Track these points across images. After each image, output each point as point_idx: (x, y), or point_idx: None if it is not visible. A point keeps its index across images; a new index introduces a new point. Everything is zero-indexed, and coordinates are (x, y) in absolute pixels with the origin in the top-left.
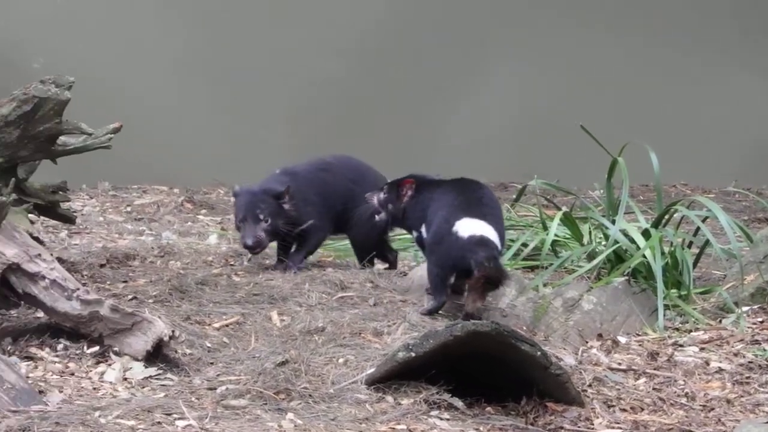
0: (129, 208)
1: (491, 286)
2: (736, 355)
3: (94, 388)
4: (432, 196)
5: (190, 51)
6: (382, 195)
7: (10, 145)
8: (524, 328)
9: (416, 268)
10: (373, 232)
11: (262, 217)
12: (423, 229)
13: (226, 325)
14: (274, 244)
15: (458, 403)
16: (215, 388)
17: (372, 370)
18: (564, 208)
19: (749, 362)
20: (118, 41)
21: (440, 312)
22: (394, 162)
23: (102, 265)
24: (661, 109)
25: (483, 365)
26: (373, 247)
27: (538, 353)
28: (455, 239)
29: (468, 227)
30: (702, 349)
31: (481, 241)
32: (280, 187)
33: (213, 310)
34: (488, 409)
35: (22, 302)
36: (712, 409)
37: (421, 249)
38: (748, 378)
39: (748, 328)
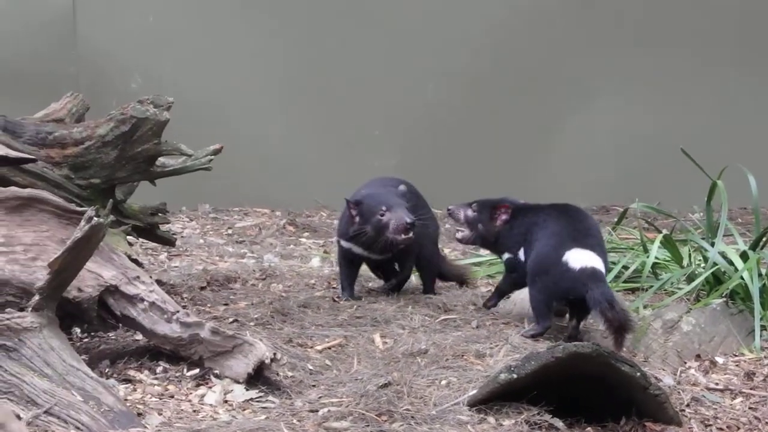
0: (230, 231)
1: (623, 331)
2: None
3: (194, 411)
4: (534, 221)
5: (293, 72)
6: (470, 213)
7: (108, 166)
8: (624, 349)
9: (518, 291)
10: (437, 252)
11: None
12: (521, 253)
13: (329, 348)
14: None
15: (559, 423)
16: (317, 411)
17: (474, 391)
18: (664, 231)
19: None
20: (218, 61)
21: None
22: (495, 183)
23: (202, 288)
24: (759, 132)
25: (583, 386)
26: (438, 267)
27: (638, 374)
28: (566, 270)
29: (579, 258)
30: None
31: (594, 275)
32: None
33: (315, 332)
34: (588, 429)
35: (121, 324)
36: None
37: (511, 271)
38: None
39: None
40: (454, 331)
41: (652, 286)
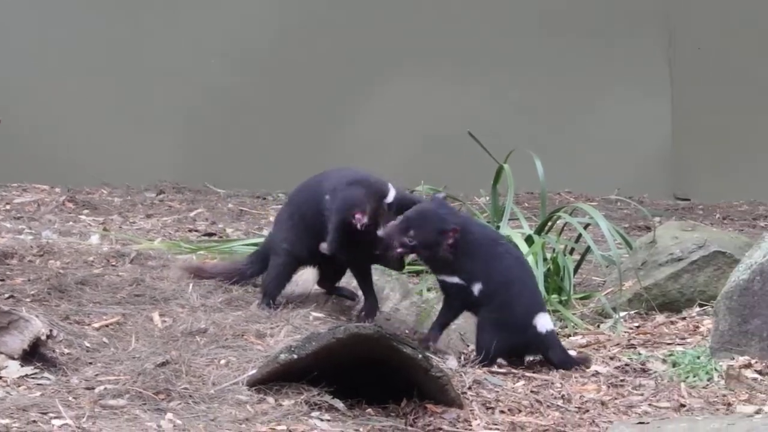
0: (8, 207)
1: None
2: (612, 358)
3: None
4: (491, 252)
5: (77, 45)
6: (406, 240)
7: None
8: (407, 331)
9: (302, 271)
10: None
11: None
12: (476, 287)
13: (106, 326)
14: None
15: (339, 404)
16: (93, 388)
17: (253, 371)
18: None
19: (624, 365)
20: None
21: (322, 315)
22: (282, 167)
23: None
24: (547, 118)
25: (368, 368)
26: None
27: (419, 356)
28: (535, 334)
29: (544, 324)
30: (580, 352)
31: (553, 337)
32: None
33: (93, 310)
34: (369, 410)
35: None
36: (587, 410)
37: (454, 298)
38: (622, 381)
39: (625, 332)
40: (234, 310)
41: None
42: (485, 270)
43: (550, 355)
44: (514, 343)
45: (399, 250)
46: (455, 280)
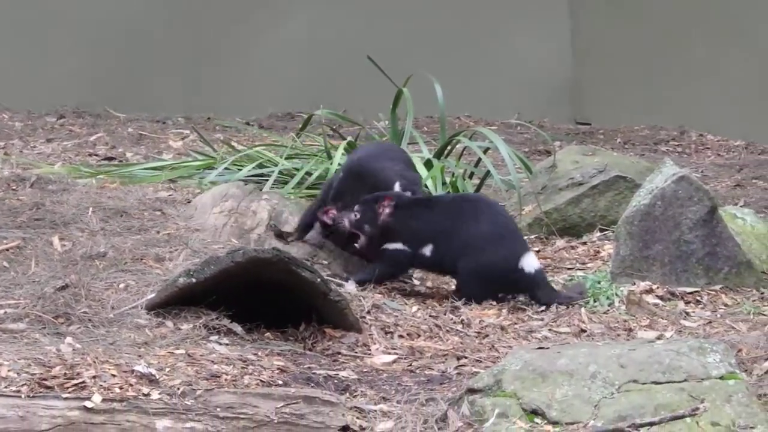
0: None
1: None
2: None
3: None
4: (445, 217)
5: None
6: (353, 217)
7: None
8: (306, 256)
9: (200, 196)
10: None
11: None
12: (427, 249)
13: (6, 250)
14: None
15: (237, 328)
16: None
17: (152, 295)
18: (349, 138)
19: None
20: None
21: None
22: (184, 92)
23: None
24: (447, 42)
25: (270, 293)
26: None
27: (318, 280)
28: (523, 275)
29: (530, 263)
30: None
31: (541, 277)
32: None
33: None
34: (267, 334)
35: None
36: (487, 335)
37: (391, 264)
38: (522, 306)
39: None
40: (134, 234)
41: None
42: (435, 231)
43: (538, 295)
44: (506, 287)
45: (346, 224)
46: (398, 246)
